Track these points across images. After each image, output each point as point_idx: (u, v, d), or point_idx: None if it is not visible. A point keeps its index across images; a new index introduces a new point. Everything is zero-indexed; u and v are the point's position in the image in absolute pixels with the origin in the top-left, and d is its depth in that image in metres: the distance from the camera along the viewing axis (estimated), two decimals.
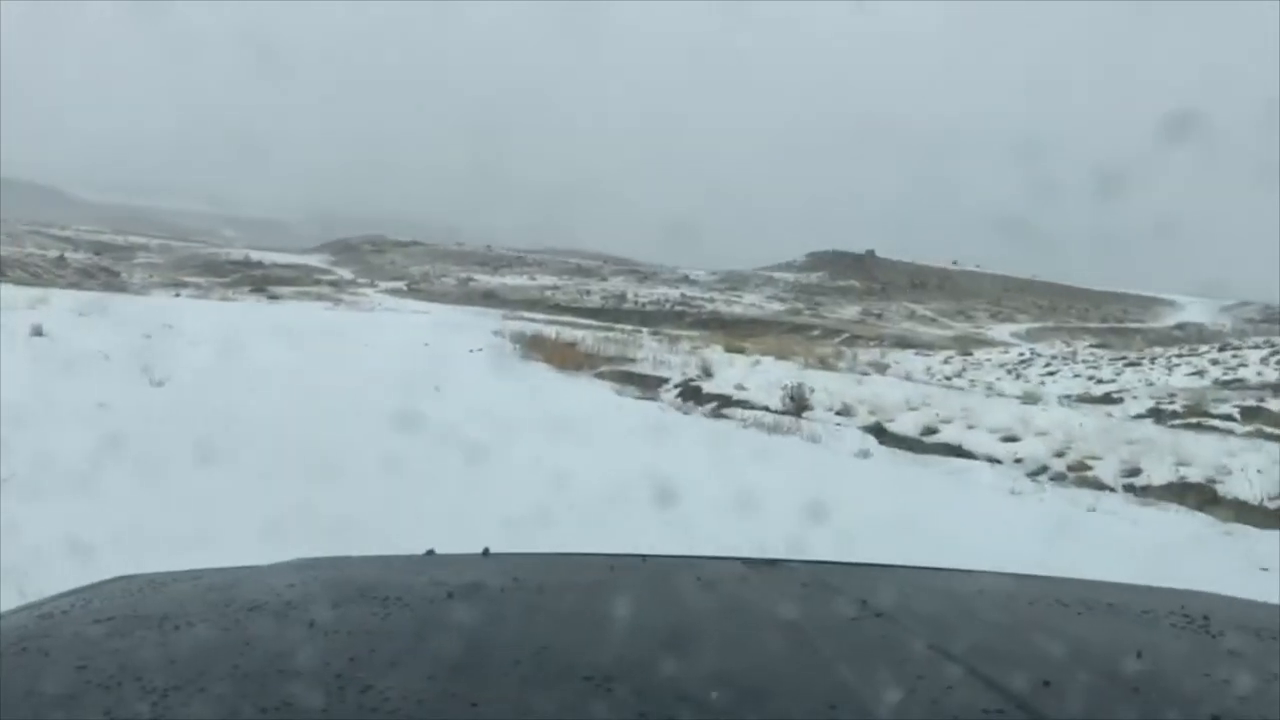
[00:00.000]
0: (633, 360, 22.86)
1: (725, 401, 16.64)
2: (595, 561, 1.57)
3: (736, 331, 65.05)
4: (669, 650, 1.08)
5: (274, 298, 64.61)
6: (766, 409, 15.70)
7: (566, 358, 21.59)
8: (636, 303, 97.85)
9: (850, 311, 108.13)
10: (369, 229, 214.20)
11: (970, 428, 14.40)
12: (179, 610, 1.21)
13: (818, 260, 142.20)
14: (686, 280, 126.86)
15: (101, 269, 77.20)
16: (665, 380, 19.58)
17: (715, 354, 27.39)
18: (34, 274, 60.23)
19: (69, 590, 1.35)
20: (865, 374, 24.07)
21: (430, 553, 1.59)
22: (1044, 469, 12.69)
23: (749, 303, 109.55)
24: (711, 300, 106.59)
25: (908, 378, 31.20)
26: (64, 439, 7.26)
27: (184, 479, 6.86)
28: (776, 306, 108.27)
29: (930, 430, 14.23)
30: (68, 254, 78.89)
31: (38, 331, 13.87)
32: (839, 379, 21.02)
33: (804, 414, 15.33)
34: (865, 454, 11.33)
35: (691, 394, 17.93)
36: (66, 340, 13.59)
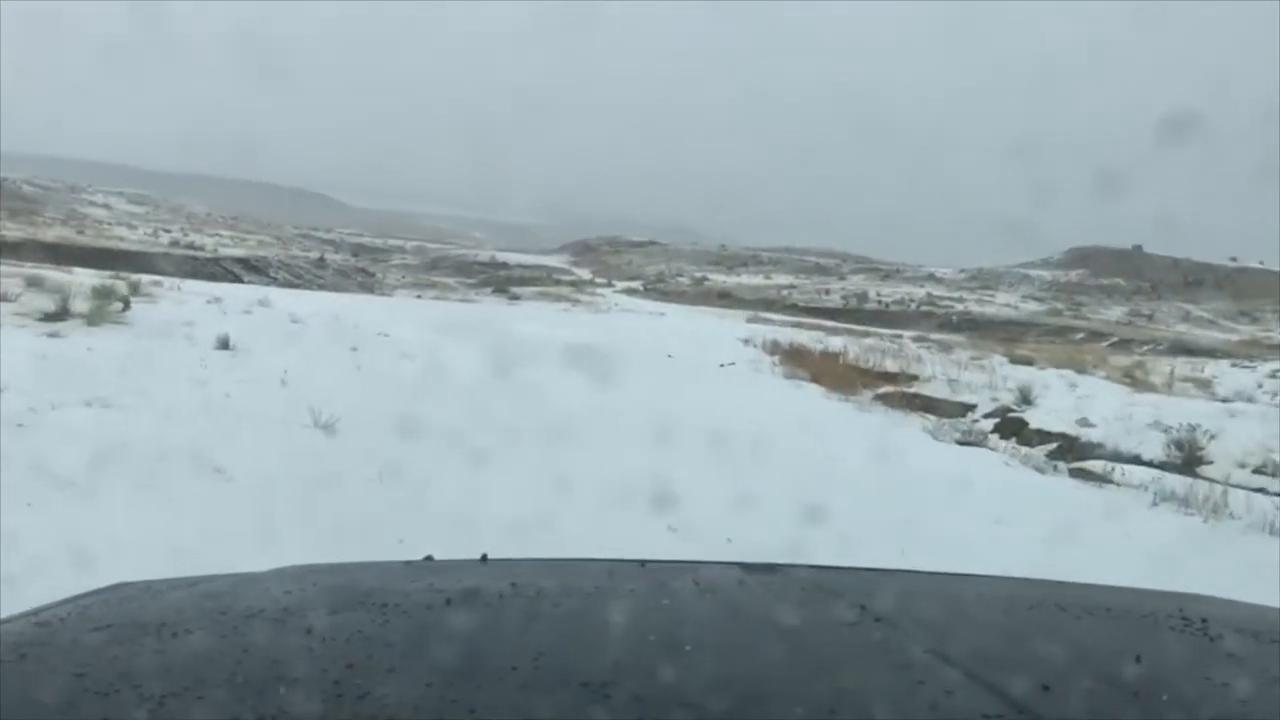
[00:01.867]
0: (915, 377, 18.75)
1: (1069, 445, 12.32)
2: (594, 567, 1.52)
3: (994, 334, 59.00)
4: (667, 656, 1.05)
5: (514, 298, 64.35)
6: (1138, 460, 11.29)
7: (836, 375, 17.77)
8: (880, 302, 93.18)
9: (1115, 312, 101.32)
10: (607, 230, 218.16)
11: None
12: (176, 617, 1.17)
13: (1078, 256, 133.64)
14: (932, 278, 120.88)
15: (358, 269, 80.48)
16: (970, 408, 15.39)
17: (1004, 366, 22.94)
18: (295, 274, 62.91)
19: (67, 598, 1.28)
20: (1228, 400, 18.73)
21: (429, 558, 1.53)
22: None
23: (1002, 302, 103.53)
24: (961, 300, 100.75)
25: (1250, 400, 25.37)
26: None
27: None
28: (1033, 306, 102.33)
29: None
30: (328, 255, 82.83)
31: (224, 344, 11.74)
32: (1193, 406, 16.00)
33: (1198, 469, 10.84)
34: None
35: (1012, 429, 13.71)
36: (251, 355, 11.36)
